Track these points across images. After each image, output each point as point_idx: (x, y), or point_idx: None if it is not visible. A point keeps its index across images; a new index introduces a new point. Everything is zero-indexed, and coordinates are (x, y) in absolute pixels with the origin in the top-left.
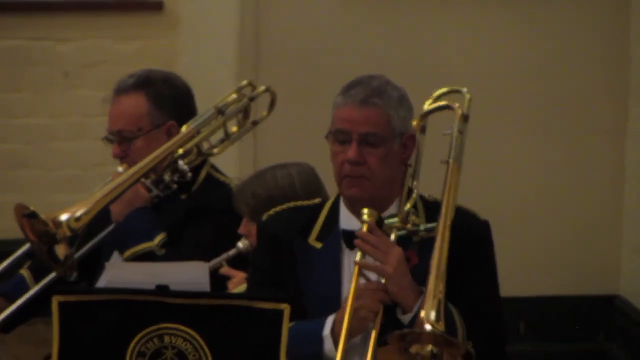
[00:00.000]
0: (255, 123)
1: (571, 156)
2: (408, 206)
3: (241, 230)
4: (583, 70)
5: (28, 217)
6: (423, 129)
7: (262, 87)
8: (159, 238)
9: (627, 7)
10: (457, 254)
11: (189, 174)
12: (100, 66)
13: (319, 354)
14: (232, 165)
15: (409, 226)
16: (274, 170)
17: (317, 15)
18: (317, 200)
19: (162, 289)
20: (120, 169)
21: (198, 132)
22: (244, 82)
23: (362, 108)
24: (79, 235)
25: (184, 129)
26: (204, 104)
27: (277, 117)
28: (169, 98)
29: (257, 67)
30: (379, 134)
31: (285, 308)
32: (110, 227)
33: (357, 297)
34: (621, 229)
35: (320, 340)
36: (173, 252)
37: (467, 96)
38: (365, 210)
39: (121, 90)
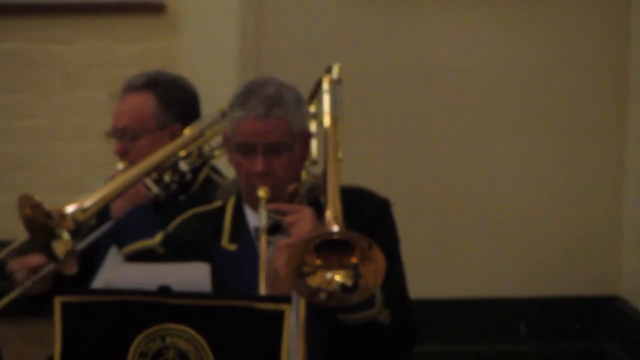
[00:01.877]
0: None
1: (571, 157)
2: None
3: None
4: (583, 72)
5: (32, 208)
6: (315, 116)
7: None
8: (159, 236)
9: (627, 8)
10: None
11: (189, 176)
12: (101, 68)
13: None
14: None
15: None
16: None
17: (319, 17)
18: (218, 204)
19: (163, 290)
20: (120, 166)
21: (201, 135)
22: None
23: (264, 121)
24: (83, 228)
25: (187, 131)
26: (205, 105)
27: None
28: (177, 101)
29: (258, 69)
30: (283, 142)
31: (286, 308)
32: (110, 223)
33: (271, 261)
34: (621, 230)
35: None
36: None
37: (336, 66)
38: (261, 187)
39: (130, 88)
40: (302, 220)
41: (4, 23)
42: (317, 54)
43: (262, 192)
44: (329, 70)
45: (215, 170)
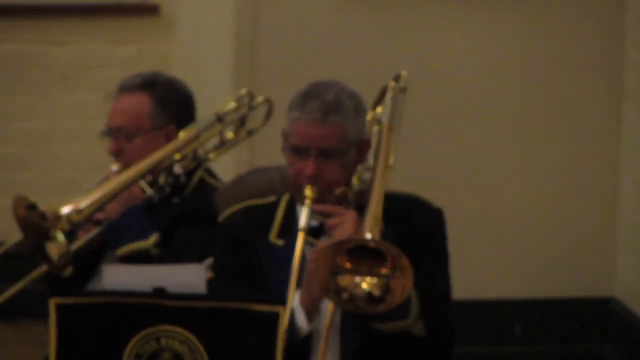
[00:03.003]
0: (251, 133)
1: (566, 160)
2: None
3: None
4: (577, 75)
5: (27, 209)
6: (378, 122)
7: (261, 98)
8: (153, 238)
9: (622, 10)
10: (412, 242)
11: (183, 178)
12: (97, 70)
13: (292, 326)
14: (229, 169)
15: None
16: (255, 174)
17: (315, 19)
18: (272, 199)
19: (159, 292)
20: (114, 167)
21: (197, 138)
22: (243, 91)
23: (320, 126)
24: (77, 230)
25: (182, 134)
26: (201, 107)
27: (274, 121)
28: (173, 103)
29: (253, 71)
30: (337, 148)
31: (282, 311)
32: (104, 225)
33: (310, 261)
34: (616, 231)
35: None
36: (166, 253)
37: (405, 73)
38: (308, 187)
39: (127, 88)
40: (344, 224)
41: (0, 25)
42: (312, 56)
43: (309, 192)
44: (396, 78)
45: (209, 173)
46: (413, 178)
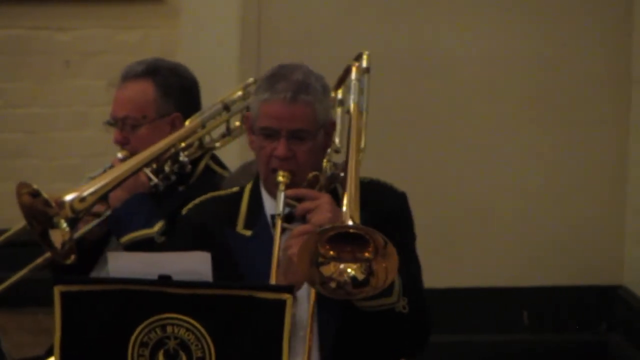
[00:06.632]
0: None
1: (574, 147)
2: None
3: None
4: (585, 62)
5: (30, 196)
6: (341, 103)
7: None
8: (158, 225)
9: None
10: (382, 226)
11: (189, 167)
12: (101, 55)
13: None
14: (234, 158)
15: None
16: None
17: (319, 4)
18: (235, 189)
19: (164, 279)
20: (120, 155)
21: (203, 126)
22: (250, 80)
23: (290, 105)
24: (80, 218)
25: (188, 122)
26: (206, 93)
27: None
28: (176, 88)
29: (259, 56)
30: (307, 129)
31: (288, 298)
32: (108, 212)
33: (286, 247)
34: (624, 219)
35: None
36: (171, 241)
37: (366, 54)
38: (280, 172)
39: (129, 76)
40: (320, 207)
41: (3, 10)
42: (317, 41)
43: (281, 177)
44: (358, 58)
45: (215, 160)
46: (416, 166)
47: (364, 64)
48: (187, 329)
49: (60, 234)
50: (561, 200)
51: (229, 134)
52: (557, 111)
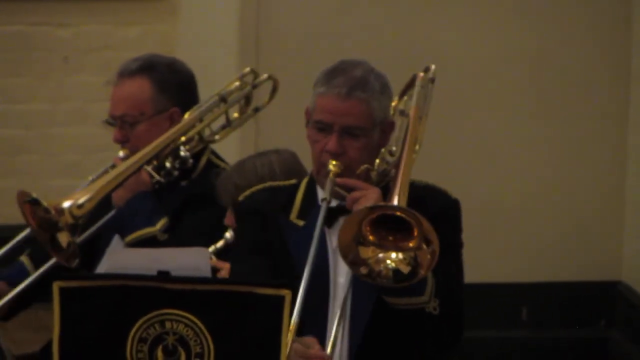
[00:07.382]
0: (257, 110)
1: (573, 142)
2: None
3: (227, 221)
4: (585, 55)
5: (30, 204)
6: (402, 113)
7: (265, 75)
8: (161, 223)
9: None
10: None
11: (190, 161)
12: (100, 51)
13: None
14: (234, 151)
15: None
16: (253, 160)
17: (318, 1)
18: (292, 181)
19: (163, 275)
20: (121, 153)
21: (201, 120)
22: (247, 69)
23: (345, 100)
24: (81, 222)
25: (186, 116)
26: (205, 89)
27: (278, 102)
28: (173, 84)
29: (258, 52)
30: (361, 126)
31: (287, 294)
32: (112, 213)
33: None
34: (624, 214)
35: None
36: (175, 237)
37: (433, 67)
38: (332, 161)
39: (125, 73)
40: (367, 197)
41: (2, 6)
42: (316, 39)
43: (332, 166)
44: (426, 69)
45: (216, 154)
46: (417, 163)
47: (431, 74)
48: (186, 325)
49: (65, 238)
50: (560, 196)
51: (229, 124)
52: (556, 108)
